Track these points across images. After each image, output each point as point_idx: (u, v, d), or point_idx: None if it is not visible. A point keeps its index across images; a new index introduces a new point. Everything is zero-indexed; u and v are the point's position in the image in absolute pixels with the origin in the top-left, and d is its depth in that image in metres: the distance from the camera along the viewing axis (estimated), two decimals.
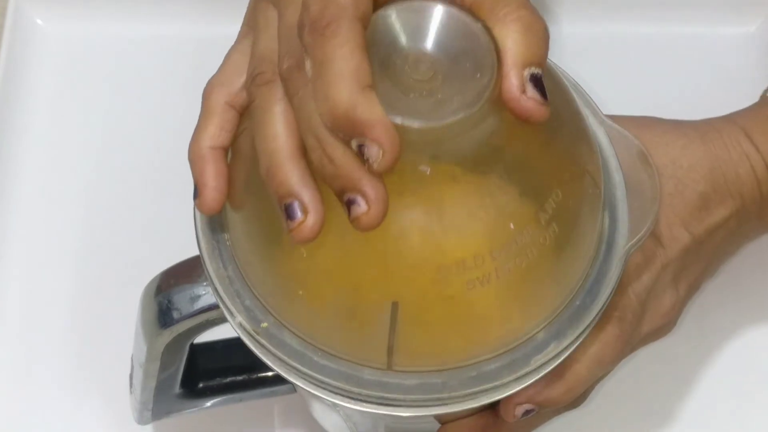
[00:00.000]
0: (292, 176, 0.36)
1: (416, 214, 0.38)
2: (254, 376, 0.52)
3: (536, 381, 0.40)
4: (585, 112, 0.45)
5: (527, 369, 0.41)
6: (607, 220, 0.44)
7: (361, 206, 0.34)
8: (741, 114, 0.51)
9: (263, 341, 0.41)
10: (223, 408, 0.52)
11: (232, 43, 0.68)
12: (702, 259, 0.50)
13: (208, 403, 0.52)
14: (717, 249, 0.50)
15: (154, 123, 0.65)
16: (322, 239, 0.37)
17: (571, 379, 0.45)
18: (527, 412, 0.44)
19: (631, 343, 0.47)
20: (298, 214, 0.36)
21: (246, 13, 0.42)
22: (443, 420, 0.47)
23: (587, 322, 0.41)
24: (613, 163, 0.45)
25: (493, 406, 0.46)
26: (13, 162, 0.64)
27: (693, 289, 0.50)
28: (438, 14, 0.37)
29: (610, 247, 0.43)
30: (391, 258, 0.39)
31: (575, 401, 0.48)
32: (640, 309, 0.47)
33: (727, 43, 0.67)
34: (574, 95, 0.44)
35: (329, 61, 0.34)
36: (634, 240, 0.43)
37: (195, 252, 0.43)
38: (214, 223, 0.43)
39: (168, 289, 0.44)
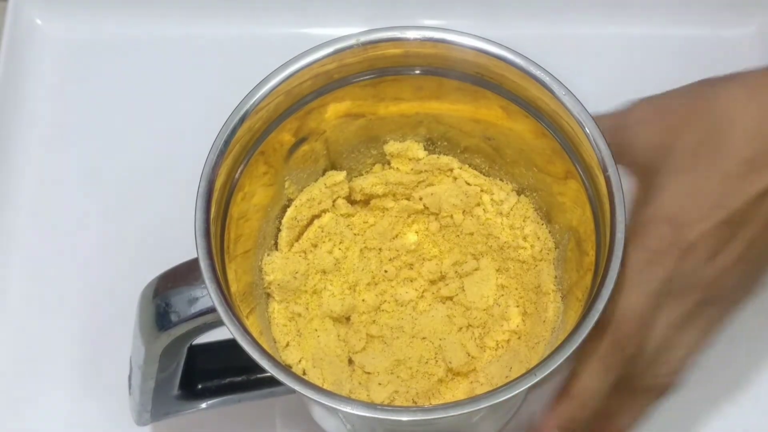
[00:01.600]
0: None
1: None
2: (253, 377, 0.51)
3: (550, 407, 0.41)
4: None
5: (526, 372, 0.41)
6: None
7: None
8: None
9: (262, 345, 0.41)
10: (223, 408, 0.52)
11: (232, 42, 0.68)
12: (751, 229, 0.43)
13: (207, 404, 0.52)
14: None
15: (154, 123, 0.65)
16: None
17: (579, 393, 0.44)
18: None
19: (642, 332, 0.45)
20: None
21: None
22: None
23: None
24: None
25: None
26: (13, 162, 0.64)
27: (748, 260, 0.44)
28: None
29: None
30: None
31: (667, 387, 0.47)
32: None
33: (727, 43, 0.67)
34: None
35: None
36: None
37: (193, 254, 0.43)
38: (213, 225, 0.43)
39: (165, 292, 0.44)
